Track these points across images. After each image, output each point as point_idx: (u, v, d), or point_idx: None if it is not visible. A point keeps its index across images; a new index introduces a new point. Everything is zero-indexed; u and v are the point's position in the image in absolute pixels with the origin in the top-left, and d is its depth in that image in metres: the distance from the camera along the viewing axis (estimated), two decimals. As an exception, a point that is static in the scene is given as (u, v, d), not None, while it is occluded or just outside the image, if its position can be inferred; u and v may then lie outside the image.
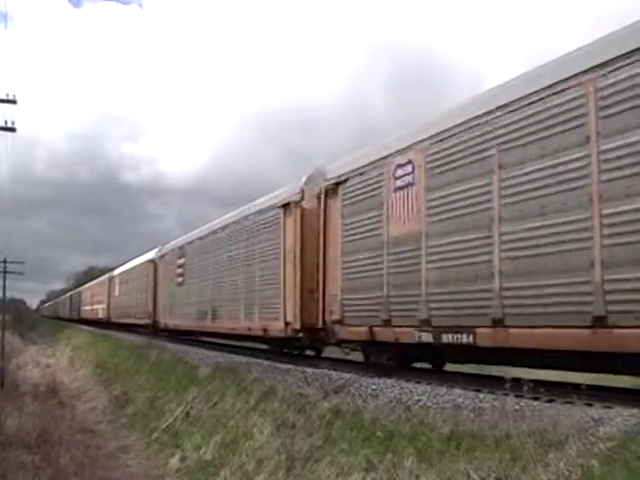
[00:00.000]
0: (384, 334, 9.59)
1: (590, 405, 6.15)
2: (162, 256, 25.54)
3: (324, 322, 11.30)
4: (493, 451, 5.72)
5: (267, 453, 8.95)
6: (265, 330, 13.82)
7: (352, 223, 10.64)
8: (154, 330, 26.08)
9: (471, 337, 7.82)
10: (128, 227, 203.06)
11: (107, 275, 42.88)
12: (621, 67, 6.21)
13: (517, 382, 6.84)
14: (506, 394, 6.86)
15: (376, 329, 9.73)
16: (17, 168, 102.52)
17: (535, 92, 7.14)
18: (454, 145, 8.37)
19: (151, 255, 28.02)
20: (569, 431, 5.36)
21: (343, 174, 11.01)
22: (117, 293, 36.91)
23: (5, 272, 42.48)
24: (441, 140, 8.62)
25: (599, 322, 6.24)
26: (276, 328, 13.17)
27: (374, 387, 8.74)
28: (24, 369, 31.20)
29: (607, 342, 6.18)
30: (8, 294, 50.03)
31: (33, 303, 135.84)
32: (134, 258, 36.38)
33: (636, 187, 5.96)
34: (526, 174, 7.16)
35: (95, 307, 47.10)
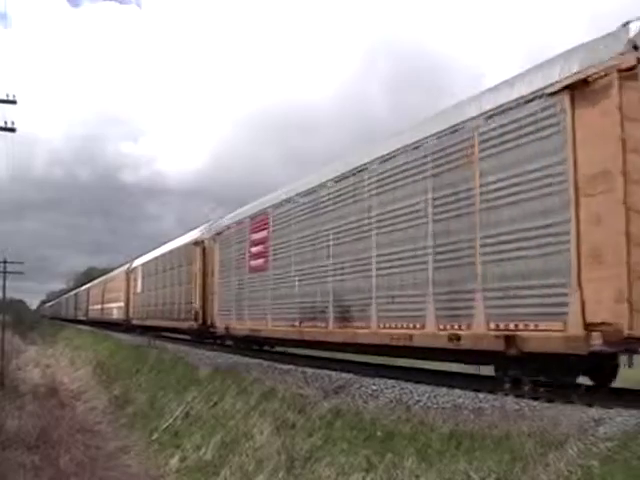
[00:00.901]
0: None
1: (590, 405, 6.16)
2: (218, 234, 18.16)
3: None
4: (493, 451, 5.72)
5: (267, 453, 8.94)
6: (511, 340, 7.28)
7: None
8: (203, 336, 19.79)
9: None
10: (127, 227, 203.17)
11: (124, 267, 36.02)
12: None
13: (517, 382, 6.85)
14: (506, 394, 6.86)
15: None
16: (17, 168, 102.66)
17: None
18: None
19: (196, 235, 21.09)
20: (569, 431, 5.37)
21: None
22: (140, 289, 29.82)
23: (5, 272, 42.54)
24: None
25: None
26: (555, 334, 6.76)
27: (374, 387, 8.75)
28: (24, 369, 31.22)
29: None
30: (8, 294, 50.07)
31: (33, 303, 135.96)
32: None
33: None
34: None
35: (108, 306, 40.05)
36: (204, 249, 19.74)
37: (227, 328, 16.85)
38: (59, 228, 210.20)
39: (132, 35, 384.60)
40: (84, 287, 59.46)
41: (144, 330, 27.58)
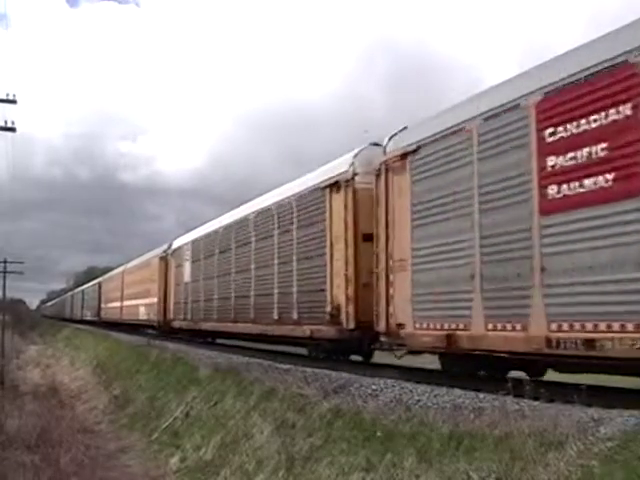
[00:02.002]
0: None
1: (590, 405, 6.15)
2: (406, 154, 9.19)
3: None
4: (493, 451, 5.71)
5: (267, 453, 8.94)
6: None
7: None
8: (348, 349, 11.72)
9: None
10: (127, 227, 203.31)
11: (157, 250, 26.48)
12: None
13: (518, 382, 6.84)
14: (506, 394, 6.85)
15: None
16: (16, 168, 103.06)
17: None
18: None
19: (331, 172, 11.69)
20: (569, 431, 5.36)
21: None
22: (189, 277, 21.04)
23: (5, 272, 42.63)
24: None
25: None
26: None
27: (374, 387, 8.73)
28: (24, 369, 31.23)
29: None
30: (8, 294, 50.17)
31: (33, 303, 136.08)
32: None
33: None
34: None
35: (131, 304, 31.45)
36: (354, 193, 10.93)
37: (450, 338, 8.26)
38: (59, 228, 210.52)
39: (131, 34, 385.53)
40: (93, 282, 50.08)
41: (194, 336, 21.17)
